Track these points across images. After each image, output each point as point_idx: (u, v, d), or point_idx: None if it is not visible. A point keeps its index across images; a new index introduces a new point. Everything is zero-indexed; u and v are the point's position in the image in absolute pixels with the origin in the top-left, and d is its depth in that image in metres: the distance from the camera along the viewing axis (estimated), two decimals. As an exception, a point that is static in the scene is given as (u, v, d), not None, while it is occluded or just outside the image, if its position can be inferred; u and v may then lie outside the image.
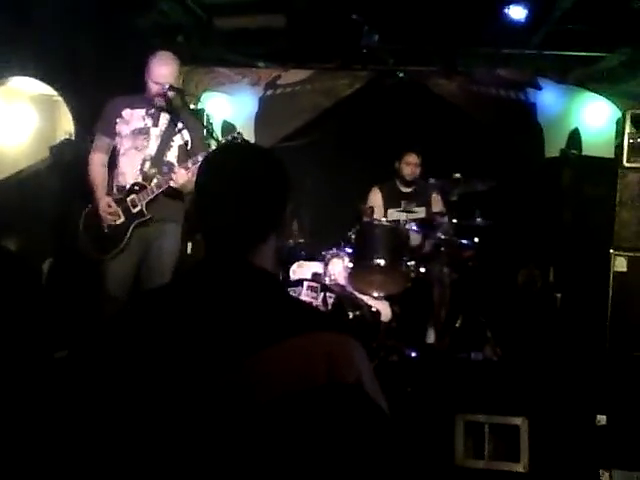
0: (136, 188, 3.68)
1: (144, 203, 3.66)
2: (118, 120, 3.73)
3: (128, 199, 3.67)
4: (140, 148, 3.72)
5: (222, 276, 1.29)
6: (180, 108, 3.85)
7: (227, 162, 1.38)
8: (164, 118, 3.78)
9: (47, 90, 4.88)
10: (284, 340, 1.17)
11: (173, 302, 1.28)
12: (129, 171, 3.72)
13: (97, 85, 4.83)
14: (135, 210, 3.67)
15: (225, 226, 1.32)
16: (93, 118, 4.85)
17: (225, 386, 1.14)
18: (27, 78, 4.59)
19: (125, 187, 3.70)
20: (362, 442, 1.17)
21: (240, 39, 5.49)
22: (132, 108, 3.75)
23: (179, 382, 1.16)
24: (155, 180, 3.68)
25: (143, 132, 3.73)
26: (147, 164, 3.72)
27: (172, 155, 3.79)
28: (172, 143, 3.79)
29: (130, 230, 3.66)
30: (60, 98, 4.93)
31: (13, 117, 5.02)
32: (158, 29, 5.16)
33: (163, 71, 3.71)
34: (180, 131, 3.79)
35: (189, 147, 3.81)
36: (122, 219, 3.66)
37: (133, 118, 3.74)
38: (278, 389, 1.13)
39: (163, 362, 1.18)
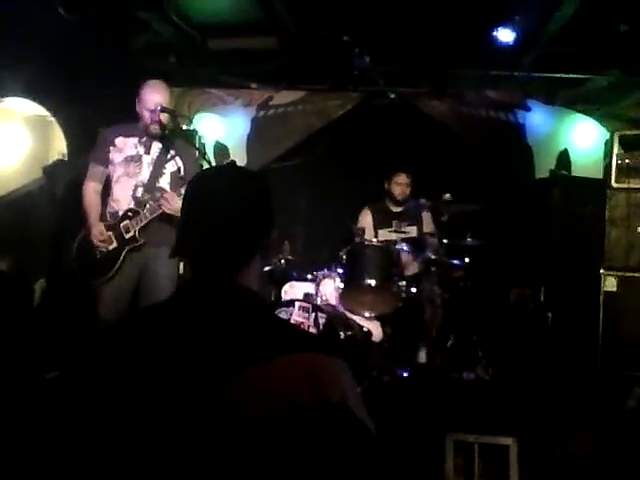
0: (129, 214, 3.72)
1: (137, 229, 3.70)
2: (111, 148, 3.76)
3: (121, 225, 3.71)
4: (132, 175, 3.75)
5: (208, 296, 1.30)
6: (173, 135, 3.87)
7: (213, 184, 1.40)
8: (156, 146, 3.81)
9: (40, 111, 4.91)
10: (269, 360, 1.18)
11: (160, 322, 1.29)
12: (122, 197, 3.75)
13: (90, 106, 4.86)
14: (128, 236, 3.71)
15: (211, 247, 1.33)
16: (86, 139, 4.89)
17: (210, 405, 1.14)
18: (21, 99, 4.62)
19: (118, 213, 3.74)
20: (347, 461, 1.17)
21: (233, 60, 5.55)
22: (125, 136, 3.78)
23: (165, 402, 1.16)
24: (147, 206, 3.71)
25: (135, 159, 3.77)
26: (139, 190, 3.76)
27: (165, 181, 3.82)
28: (164, 170, 3.83)
29: (122, 255, 3.69)
30: (53, 119, 4.95)
31: (6, 137, 5.03)
32: (151, 50, 5.21)
33: (155, 98, 3.72)
34: (173, 158, 3.84)
35: (181, 173, 3.85)
36: (114, 245, 3.70)
37: (126, 146, 3.77)
38: (263, 408, 1.14)
39: (149, 381, 1.19)
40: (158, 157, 3.80)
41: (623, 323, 4.82)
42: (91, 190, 3.78)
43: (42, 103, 4.75)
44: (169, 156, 3.83)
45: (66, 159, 4.95)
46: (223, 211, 1.33)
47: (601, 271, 4.94)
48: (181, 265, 4.68)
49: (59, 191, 4.81)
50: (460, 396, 3.83)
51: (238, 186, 1.39)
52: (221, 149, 5.62)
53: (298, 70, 5.79)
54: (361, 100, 6.04)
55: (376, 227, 5.28)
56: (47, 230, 4.67)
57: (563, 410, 3.48)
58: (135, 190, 3.75)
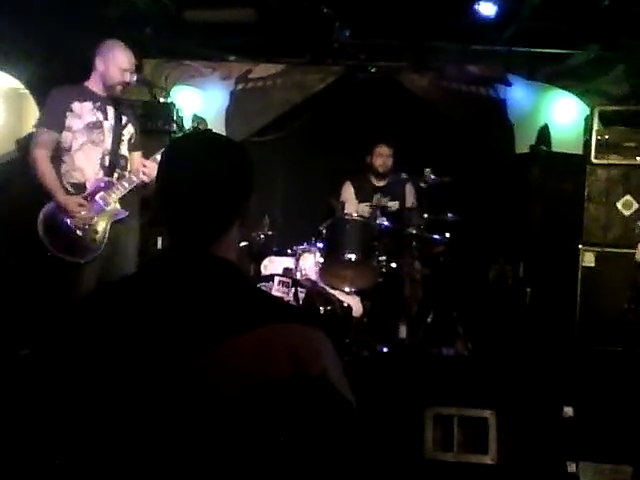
0: (101, 185, 3.56)
1: (116, 199, 3.56)
2: (68, 114, 3.53)
3: (97, 197, 3.54)
4: (97, 142, 3.59)
5: (184, 267, 1.28)
6: (149, 107, 3.78)
7: (188, 151, 1.36)
8: (111, 111, 3.67)
9: (14, 83, 4.81)
10: (248, 330, 1.16)
11: (136, 293, 1.27)
12: (87, 167, 3.57)
13: (65, 78, 4.75)
14: (109, 208, 3.56)
15: (187, 216, 1.30)
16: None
17: (188, 376, 1.13)
18: (-6, 71, 4.52)
19: (83, 184, 3.55)
20: (327, 434, 1.17)
21: (210, 32, 5.44)
22: (80, 101, 3.57)
23: (140, 375, 1.15)
24: (117, 175, 3.60)
25: (97, 126, 3.60)
26: (107, 158, 3.61)
27: (124, 149, 3.71)
28: (123, 137, 3.71)
29: (107, 230, 3.53)
30: (27, 91, 4.85)
31: (-21, 110, 4.94)
32: (127, 20, 5.09)
33: (129, 58, 3.61)
34: (127, 124, 3.74)
35: (133, 141, 3.78)
36: (95, 218, 3.51)
37: (83, 111, 3.57)
38: (242, 380, 1.12)
39: (124, 354, 1.17)
40: (115, 123, 3.66)
41: (600, 298, 4.86)
42: (45, 158, 3.48)
43: (16, 76, 4.64)
44: (124, 122, 3.71)
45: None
46: (199, 178, 1.30)
47: (579, 246, 4.97)
48: (159, 240, 4.64)
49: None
50: (439, 371, 3.84)
51: (216, 152, 1.36)
52: (199, 122, 5.53)
53: (277, 43, 5.70)
54: (341, 74, 5.99)
55: (358, 200, 5.27)
56: (20, 204, 4.58)
57: (541, 384, 3.51)
58: (103, 159, 3.60)
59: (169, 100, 5.32)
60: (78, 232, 3.46)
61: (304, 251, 4.62)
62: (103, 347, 1.18)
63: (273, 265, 4.70)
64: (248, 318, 1.19)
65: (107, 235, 3.53)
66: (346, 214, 4.74)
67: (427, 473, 2.96)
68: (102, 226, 3.54)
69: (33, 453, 1.19)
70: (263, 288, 4.23)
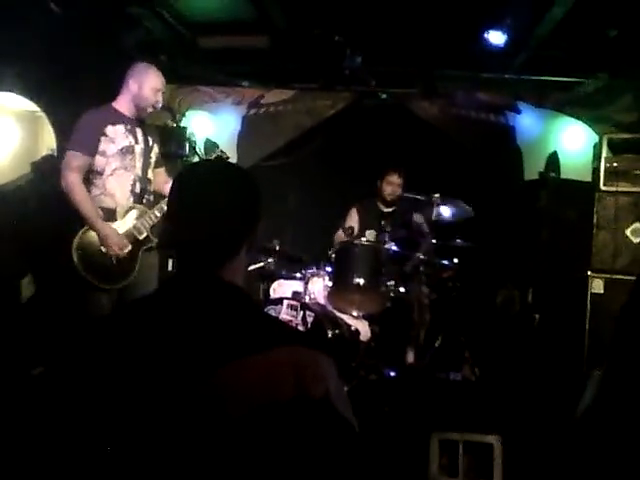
0: (134, 213, 3.54)
1: (149, 228, 3.53)
2: (102, 138, 3.45)
3: (132, 225, 3.51)
4: (129, 168, 3.53)
5: (191, 291, 1.31)
6: (166, 132, 3.78)
7: (200, 177, 1.40)
8: (139, 134, 3.62)
9: (30, 106, 4.89)
10: (253, 354, 1.19)
11: (146, 317, 1.30)
12: (118, 192, 3.50)
13: (80, 101, 4.84)
14: (142, 237, 3.53)
15: (195, 241, 1.33)
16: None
17: (194, 399, 1.15)
18: (10, 94, 4.60)
19: (114, 210, 3.48)
20: (329, 456, 1.18)
21: (224, 58, 5.55)
22: (113, 124, 3.50)
23: (148, 396, 1.17)
24: (144, 200, 3.58)
25: (130, 151, 3.54)
26: (137, 185, 3.56)
27: (150, 172, 3.68)
28: (150, 160, 3.68)
29: (139, 258, 3.50)
30: (43, 114, 4.94)
31: (-4, 133, 5.03)
32: (142, 47, 5.19)
33: (159, 80, 3.60)
34: (152, 146, 3.71)
35: (157, 160, 3.76)
36: (129, 247, 3.47)
37: (117, 135, 3.50)
38: (246, 403, 1.14)
39: (133, 376, 1.20)
40: (144, 146, 3.63)
41: (609, 325, 4.82)
42: (80, 184, 3.39)
43: (32, 98, 4.73)
44: (150, 144, 3.68)
45: (55, 154, 4.93)
46: (209, 205, 1.34)
47: (588, 273, 4.97)
48: (170, 262, 4.68)
49: (48, 187, 4.78)
50: (446, 396, 3.84)
51: (225, 179, 1.40)
52: (211, 146, 5.60)
53: (289, 69, 5.79)
54: (352, 100, 6.05)
55: (363, 226, 5.28)
56: (35, 226, 4.64)
57: (548, 410, 3.50)
58: (134, 185, 3.55)
59: (182, 124, 5.41)
60: (113, 260, 3.41)
61: (313, 275, 4.63)
62: (113, 368, 1.21)
63: (282, 288, 4.71)
64: (254, 341, 1.22)
65: (139, 263, 3.51)
66: (354, 239, 4.77)
67: (432, 498, 2.95)
68: (135, 254, 3.50)
69: (44, 470, 1.21)
70: (272, 311, 4.25)
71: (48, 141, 5.09)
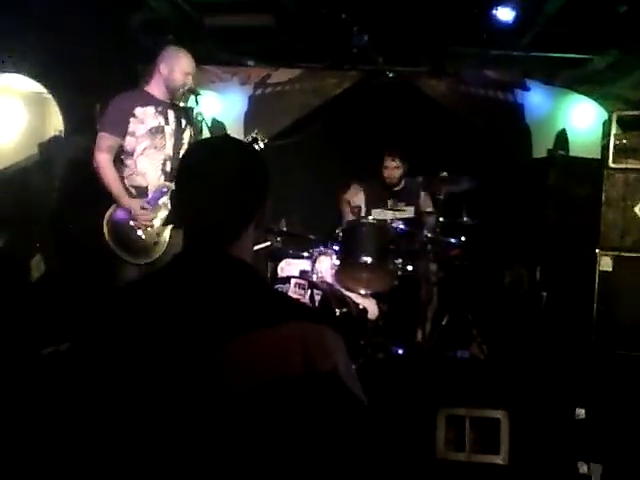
0: (164, 190, 3.66)
1: None
2: (131, 119, 3.61)
3: (160, 202, 3.65)
4: (159, 147, 3.68)
5: (200, 267, 1.31)
6: (177, 105, 3.83)
7: (207, 154, 1.41)
8: (172, 115, 3.76)
9: (37, 87, 4.88)
10: (261, 329, 1.20)
11: (155, 292, 1.31)
12: (149, 171, 3.66)
13: (87, 83, 4.84)
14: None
15: (203, 218, 1.34)
16: (83, 116, 4.89)
17: (203, 374, 1.16)
18: (18, 75, 4.60)
19: (146, 188, 3.65)
20: (337, 430, 1.19)
21: (230, 38, 5.51)
22: (142, 106, 3.65)
23: (157, 371, 1.18)
24: None
25: (160, 131, 3.68)
26: (168, 164, 3.70)
27: (182, 153, 3.72)
28: (183, 141, 3.78)
29: (169, 235, 3.65)
30: (50, 96, 4.93)
31: (3, 114, 5.01)
32: (148, 27, 5.17)
33: (189, 63, 3.73)
34: (186, 127, 3.82)
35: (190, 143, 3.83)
36: (158, 223, 3.63)
37: (146, 116, 3.65)
38: (254, 377, 1.16)
39: (142, 351, 1.21)
40: (176, 128, 3.76)
41: (617, 302, 4.83)
42: (107, 162, 3.58)
43: (39, 80, 4.72)
44: (183, 126, 3.80)
45: (62, 136, 4.93)
46: (217, 181, 1.33)
47: (597, 251, 4.95)
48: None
49: (55, 168, 4.80)
50: (453, 373, 3.86)
51: (232, 156, 1.39)
52: (218, 126, 5.60)
53: (296, 48, 5.75)
54: (359, 79, 6.03)
55: (368, 206, 5.29)
56: (43, 207, 4.67)
57: (555, 386, 3.51)
58: (164, 164, 3.69)
59: (189, 104, 5.39)
60: (140, 234, 3.59)
61: (320, 254, 4.64)
62: (123, 343, 1.22)
63: (289, 267, 4.72)
64: (263, 316, 1.23)
65: (168, 239, 3.65)
66: (362, 217, 4.77)
67: (439, 473, 2.98)
68: (164, 230, 3.65)
69: (51, 447, 1.23)
70: (280, 290, 4.27)
71: (55, 123, 5.08)
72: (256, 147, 3.67)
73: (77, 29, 4.62)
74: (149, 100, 3.70)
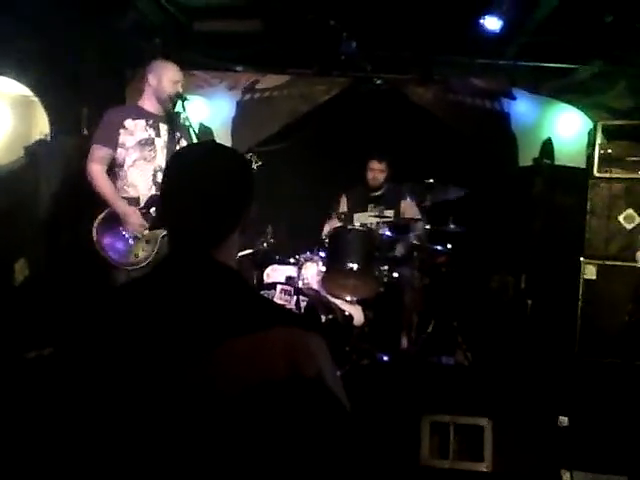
0: (155, 199, 3.68)
1: None
2: (121, 131, 3.70)
3: (151, 211, 3.68)
4: (149, 159, 3.73)
5: (185, 271, 1.31)
6: (174, 117, 3.86)
7: (193, 159, 1.41)
8: (164, 128, 3.81)
9: (23, 90, 4.86)
10: (248, 333, 1.20)
11: (141, 297, 1.31)
12: (140, 183, 3.72)
13: (73, 87, 4.82)
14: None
15: (188, 223, 1.34)
16: (69, 119, 4.86)
17: (188, 378, 1.16)
18: (3, 78, 4.57)
19: (137, 199, 3.70)
20: (321, 435, 1.19)
21: (218, 43, 5.51)
22: (133, 119, 3.73)
23: (144, 375, 1.18)
24: None
25: (149, 143, 3.74)
26: (159, 175, 3.74)
27: None
28: None
29: (158, 243, 3.67)
30: (36, 99, 4.90)
31: (-11, 117, 4.99)
32: (136, 31, 5.16)
33: (176, 72, 3.81)
34: (179, 140, 3.86)
35: None
36: (148, 232, 3.67)
37: (136, 129, 3.73)
38: (239, 382, 1.15)
39: (128, 355, 1.21)
40: (169, 140, 3.79)
41: (601, 311, 4.88)
42: (101, 172, 3.68)
43: (25, 83, 4.69)
44: (176, 138, 3.83)
45: (49, 139, 4.90)
46: (202, 186, 1.34)
47: (581, 259, 4.99)
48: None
49: (41, 171, 4.76)
50: (438, 380, 3.86)
51: (217, 161, 1.40)
52: (205, 132, 5.59)
53: (284, 54, 5.76)
54: (347, 85, 6.03)
55: (352, 212, 5.31)
56: (28, 210, 4.63)
57: (538, 394, 3.53)
58: (155, 175, 3.74)
59: (176, 110, 5.38)
60: (130, 241, 3.63)
61: (307, 260, 4.64)
62: (108, 349, 1.22)
63: (276, 273, 4.72)
64: (248, 321, 1.23)
65: (157, 248, 3.67)
66: (348, 224, 4.78)
67: (423, 480, 2.99)
68: (153, 238, 3.67)
69: (36, 453, 1.22)
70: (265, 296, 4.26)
71: (41, 126, 5.05)
72: None
73: (64, 32, 4.61)
74: (141, 114, 3.78)
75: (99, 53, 5.02)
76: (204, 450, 1.14)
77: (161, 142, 3.78)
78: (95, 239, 3.54)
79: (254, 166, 3.75)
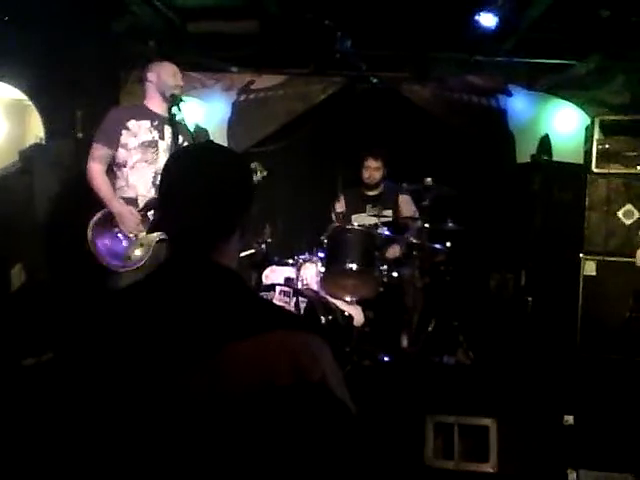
0: (154, 202, 3.62)
1: None
2: (124, 132, 3.66)
3: (149, 214, 3.63)
4: (150, 161, 3.69)
5: (185, 274, 1.30)
6: (177, 120, 3.84)
7: (189, 161, 1.39)
8: (167, 131, 3.77)
9: (17, 94, 4.83)
10: (250, 337, 1.18)
11: (140, 302, 1.29)
12: (140, 184, 3.67)
13: (68, 90, 4.79)
14: None
15: (188, 225, 1.32)
16: (64, 123, 4.83)
17: (190, 383, 1.14)
18: (-2, 82, 4.55)
19: (135, 200, 3.66)
20: (326, 439, 1.17)
21: (213, 44, 5.49)
22: (137, 119, 3.69)
23: (144, 381, 1.16)
24: None
25: (152, 145, 3.70)
26: (159, 177, 3.68)
27: None
28: None
29: (153, 245, 3.62)
30: (30, 103, 4.88)
31: (-17, 121, 4.97)
32: (131, 33, 5.14)
33: (173, 66, 3.80)
34: (182, 143, 3.80)
35: None
36: (144, 234, 3.62)
37: (140, 130, 3.69)
38: (244, 386, 1.14)
39: (128, 361, 1.19)
40: (172, 143, 3.75)
41: (602, 307, 4.87)
42: (100, 172, 3.64)
43: (19, 87, 4.67)
44: (179, 142, 3.78)
45: (43, 143, 4.88)
46: (201, 187, 1.32)
47: (581, 255, 4.98)
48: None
49: (36, 175, 4.73)
50: (440, 380, 3.85)
51: (216, 162, 1.38)
52: (201, 133, 5.55)
53: (279, 54, 5.74)
54: (343, 85, 6.02)
55: (349, 212, 5.28)
56: (23, 214, 4.60)
57: (542, 392, 3.51)
58: (155, 177, 3.68)
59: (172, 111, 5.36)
60: (124, 243, 3.59)
61: (305, 261, 4.62)
62: (108, 355, 1.20)
63: (274, 275, 4.70)
64: (250, 325, 1.21)
65: (151, 251, 3.61)
66: (347, 224, 4.76)
67: (427, 481, 2.97)
68: (148, 241, 3.61)
69: (36, 461, 1.20)
70: (265, 298, 4.24)
71: (36, 130, 5.03)
72: (254, 178, 3.64)
73: (58, 35, 4.58)
74: (146, 114, 3.74)
75: (93, 56, 4.99)
76: (207, 456, 1.12)
77: (164, 145, 3.74)
78: (90, 240, 3.51)
79: (259, 176, 3.73)
